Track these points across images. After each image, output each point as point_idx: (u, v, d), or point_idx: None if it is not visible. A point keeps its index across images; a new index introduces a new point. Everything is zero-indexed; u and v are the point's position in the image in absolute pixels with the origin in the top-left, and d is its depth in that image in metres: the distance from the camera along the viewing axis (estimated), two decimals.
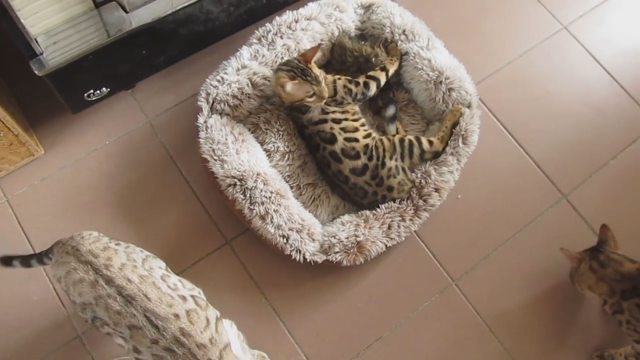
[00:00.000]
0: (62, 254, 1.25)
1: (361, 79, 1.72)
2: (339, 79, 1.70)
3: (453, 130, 1.73)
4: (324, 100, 1.63)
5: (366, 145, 1.64)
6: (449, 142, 1.72)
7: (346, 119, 1.66)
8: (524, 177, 1.88)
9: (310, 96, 1.62)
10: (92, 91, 1.64)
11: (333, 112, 1.66)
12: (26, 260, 1.39)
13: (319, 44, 1.80)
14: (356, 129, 1.66)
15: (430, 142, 1.71)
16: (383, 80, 1.75)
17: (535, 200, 1.85)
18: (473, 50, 2.04)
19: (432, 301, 1.70)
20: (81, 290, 1.22)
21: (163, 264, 1.34)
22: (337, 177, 1.66)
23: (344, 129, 1.64)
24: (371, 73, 1.74)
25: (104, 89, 1.66)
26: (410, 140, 1.69)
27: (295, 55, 1.75)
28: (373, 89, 1.72)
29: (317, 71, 1.63)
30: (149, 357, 1.20)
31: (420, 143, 1.69)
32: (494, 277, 1.73)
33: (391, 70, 1.77)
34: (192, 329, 1.20)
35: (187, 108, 1.86)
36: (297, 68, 1.60)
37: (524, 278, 1.74)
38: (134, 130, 1.83)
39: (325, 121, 1.64)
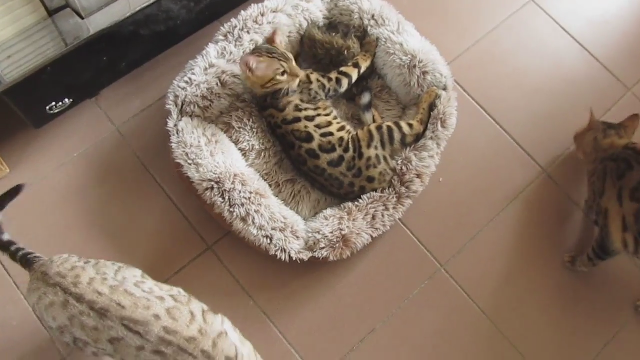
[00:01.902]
0: (33, 281, 1.21)
1: (333, 75, 1.68)
2: (312, 73, 1.66)
3: (431, 111, 1.71)
4: (299, 79, 1.59)
5: (341, 138, 1.61)
6: (429, 126, 1.69)
7: (319, 115, 1.62)
8: (504, 155, 1.86)
9: (282, 74, 1.57)
10: (54, 104, 1.57)
11: (306, 109, 1.62)
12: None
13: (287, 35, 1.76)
14: (329, 123, 1.63)
15: (410, 125, 1.68)
16: (355, 77, 1.71)
17: (516, 177, 1.84)
18: (441, 31, 2.01)
19: (422, 288, 1.68)
20: (54, 314, 1.18)
21: (139, 272, 1.30)
22: (313, 172, 1.62)
23: (318, 126, 1.60)
24: (343, 69, 1.70)
25: (66, 100, 1.59)
26: (389, 127, 1.66)
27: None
28: (345, 86, 1.69)
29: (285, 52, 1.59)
30: None
31: (400, 127, 1.66)
32: (482, 258, 1.72)
33: (364, 67, 1.74)
34: (177, 325, 1.17)
35: (156, 112, 1.80)
36: (261, 48, 1.57)
37: (512, 256, 1.73)
38: (102, 140, 1.77)
39: (299, 120, 1.60)
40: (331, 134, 1.61)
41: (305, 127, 1.60)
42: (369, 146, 1.61)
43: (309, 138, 1.59)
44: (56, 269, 1.20)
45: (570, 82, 1.99)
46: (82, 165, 1.73)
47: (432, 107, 1.71)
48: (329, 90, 1.66)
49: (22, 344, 1.53)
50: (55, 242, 1.63)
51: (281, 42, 1.71)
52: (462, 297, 1.67)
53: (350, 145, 1.61)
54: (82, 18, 1.46)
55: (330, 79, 1.67)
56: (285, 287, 1.65)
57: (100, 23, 1.50)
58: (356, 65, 1.71)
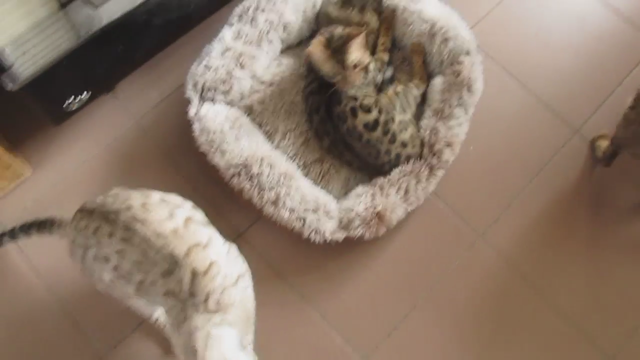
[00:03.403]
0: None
1: (378, 65, 1.67)
2: (371, 62, 1.63)
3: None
4: (349, 87, 1.55)
5: (376, 100, 1.57)
6: (454, 93, 1.64)
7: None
8: (534, 118, 1.81)
9: (334, 75, 1.53)
10: (72, 98, 1.53)
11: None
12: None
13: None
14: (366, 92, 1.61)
15: (416, 85, 1.68)
16: (387, 58, 1.70)
17: (548, 139, 1.78)
18: None
19: (461, 260, 1.63)
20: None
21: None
22: (350, 134, 1.56)
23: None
24: (378, 56, 1.68)
25: (84, 94, 1.56)
26: (403, 89, 1.64)
27: (280, 29, 1.68)
28: (384, 71, 1.70)
29: (356, 56, 1.51)
30: (115, 258, 1.16)
31: (410, 88, 1.66)
32: (520, 225, 1.67)
33: (389, 44, 1.72)
34: (148, 216, 1.14)
35: (175, 101, 1.76)
36: (336, 42, 1.52)
37: (551, 220, 1.68)
38: (123, 134, 1.73)
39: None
40: (369, 95, 1.58)
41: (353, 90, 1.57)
42: (396, 110, 1.59)
43: (354, 98, 1.55)
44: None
45: (596, 39, 1.92)
46: (104, 161, 1.70)
47: (424, 61, 1.72)
48: (376, 82, 1.67)
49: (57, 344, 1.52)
50: None
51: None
52: (502, 265, 1.63)
53: (383, 109, 1.57)
54: (95, 7, 1.42)
55: (378, 70, 1.66)
56: (321, 269, 1.61)
57: (113, 12, 1.46)
58: (386, 49, 1.69)
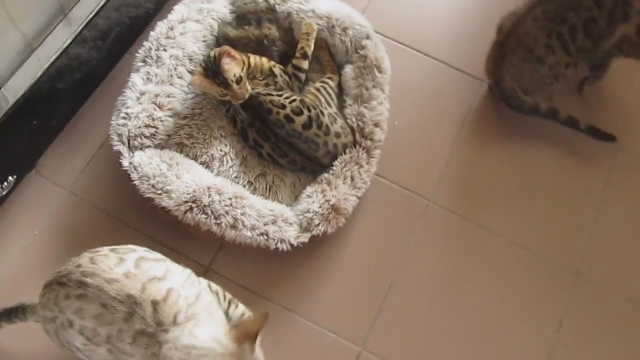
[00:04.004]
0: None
1: (290, 70, 1.71)
2: (274, 66, 1.68)
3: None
4: (242, 100, 1.58)
5: (302, 101, 1.63)
6: (367, 76, 1.72)
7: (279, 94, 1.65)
8: (443, 81, 1.93)
9: (222, 96, 1.57)
10: None
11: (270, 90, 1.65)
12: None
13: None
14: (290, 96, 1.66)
15: (330, 78, 1.75)
16: (307, 66, 1.74)
17: (462, 96, 1.91)
18: None
19: (420, 226, 1.72)
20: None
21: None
22: (292, 135, 1.61)
23: (285, 97, 1.63)
24: (295, 62, 1.72)
25: (10, 178, 1.51)
26: (322, 85, 1.71)
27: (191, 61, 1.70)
28: (303, 78, 1.73)
29: (234, 72, 1.55)
30: (76, 319, 1.16)
31: (326, 82, 1.73)
32: (461, 179, 1.79)
33: (309, 51, 1.74)
34: (96, 268, 1.17)
35: (101, 160, 1.73)
36: (212, 67, 1.55)
37: (490, 166, 1.81)
38: (58, 207, 1.68)
39: (270, 93, 1.63)
40: (294, 99, 1.62)
41: (278, 97, 1.62)
42: (322, 105, 1.65)
43: (283, 105, 1.60)
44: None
45: None
46: (48, 239, 1.64)
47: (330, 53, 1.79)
48: (291, 86, 1.70)
49: None
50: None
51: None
52: (456, 218, 1.73)
53: (311, 106, 1.62)
54: None
55: (290, 76, 1.70)
56: (295, 275, 1.64)
57: (18, 88, 1.43)
58: (304, 55, 1.73)
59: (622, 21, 1.69)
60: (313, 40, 1.74)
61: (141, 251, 1.26)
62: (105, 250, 1.24)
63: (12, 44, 1.36)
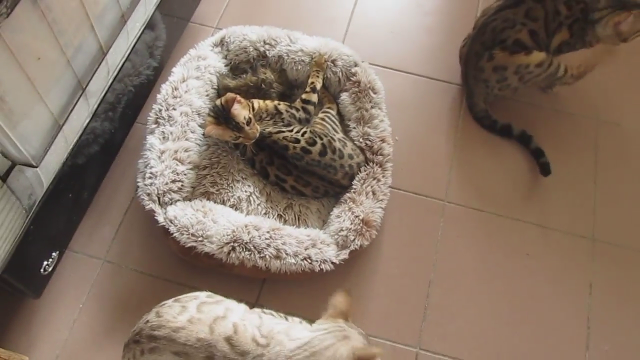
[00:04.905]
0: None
1: (299, 104, 1.81)
2: (279, 104, 1.78)
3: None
4: (253, 139, 1.68)
5: (312, 131, 1.73)
6: (364, 98, 1.85)
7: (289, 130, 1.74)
8: (428, 92, 2.09)
9: (236, 139, 1.67)
10: (45, 263, 1.51)
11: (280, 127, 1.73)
12: None
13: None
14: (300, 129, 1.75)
15: (329, 108, 1.88)
16: (316, 99, 1.85)
17: (449, 103, 2.07)
18: (314, 23, 2.22)
19: (442, 226, 1.83)
20: None
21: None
22: (310, 165, 1.70)
23: (297, 132, 1.72)
24: (304, 97, 1.83)
25: (53, 254, 1.54)
26: (326, 115, 1.83)
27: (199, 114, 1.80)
28: (312, 111, 1.83)
29: (243, 115, 1.64)
30: None
31: (328, 112, 1.85)
32: (468, 177, 1.92)
33: (319, 85, 1.87)
34: (162, 320, 1.22)
35: (130, 224, 1.78)
36: (221, 115, 1.64)
37: (492, 160, 1.96)
38: (98, 278, 1.71)
39: (281, 131, 1.72)
40: (305, 132, 1.72)
41: (289, 132, 1.72)
42: (331, 132, 1.77)
43: (297, 140, 1.70)
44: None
45: (437, 9, 2.29)
46: (93, 311, 1.66)
47: (323, 75, 1.90)
48: (300, 119, 1.80)
49: None
50: None
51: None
52: (474, 214, 1.85)
53: (322, 135, 1.73)
54: (36, 167, 1.43)
55: (297, 109, 1.80)
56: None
57: (51, 167, 1.47)
58: (314, 90, 1.85)
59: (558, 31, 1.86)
60: (323, 75, 1.88)
61: (202, 297, 1.31)
62: (169, 301, 1.30)
63: (42, 121, 1.41)
